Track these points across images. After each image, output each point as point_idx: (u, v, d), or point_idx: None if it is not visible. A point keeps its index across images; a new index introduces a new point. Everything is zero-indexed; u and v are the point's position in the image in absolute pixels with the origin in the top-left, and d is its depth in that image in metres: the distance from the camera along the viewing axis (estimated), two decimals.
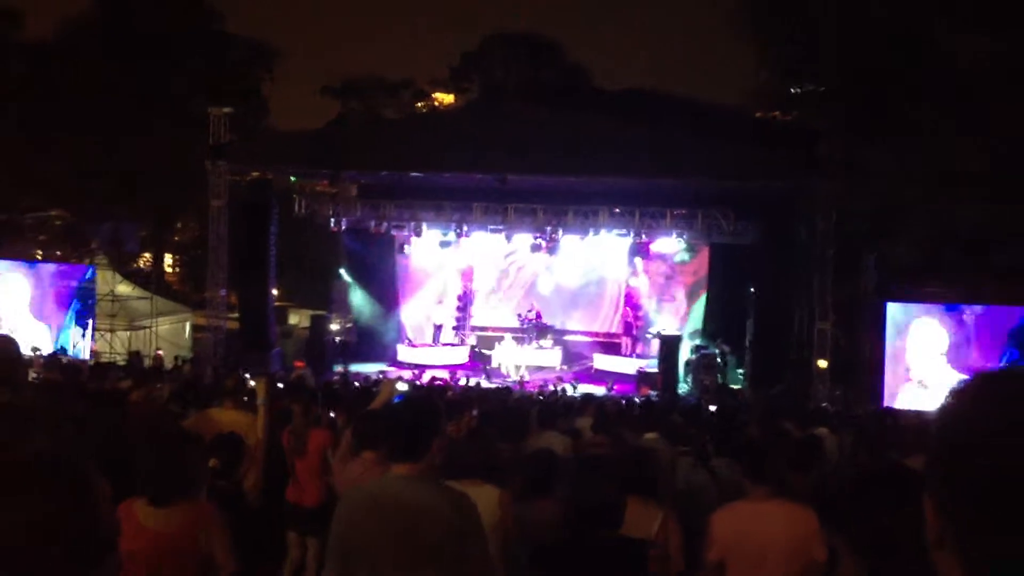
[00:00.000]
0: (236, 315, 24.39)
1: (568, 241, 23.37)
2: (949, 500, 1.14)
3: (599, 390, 20.59)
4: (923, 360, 19.43)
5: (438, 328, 25.45)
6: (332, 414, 7.92)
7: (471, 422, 7.71)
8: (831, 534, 2.07)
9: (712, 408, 15.24)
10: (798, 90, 28.39)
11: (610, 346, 25.49)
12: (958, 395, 1.19)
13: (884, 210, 20.41)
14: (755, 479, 4.55)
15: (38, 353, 17.02)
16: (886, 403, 19.05)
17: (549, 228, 22.73)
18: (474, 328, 26.42)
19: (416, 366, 23.40)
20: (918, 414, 16.00)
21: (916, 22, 19.32)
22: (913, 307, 19.85)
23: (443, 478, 4.32)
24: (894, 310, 19.95)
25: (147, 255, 37.19)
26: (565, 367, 24.25)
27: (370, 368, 23.51)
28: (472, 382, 19.92)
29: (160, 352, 22.42)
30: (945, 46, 18.67)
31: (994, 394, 1.15)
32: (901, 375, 19.62)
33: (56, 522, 1.57)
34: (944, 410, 1.19)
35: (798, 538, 4.30)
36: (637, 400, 17.16)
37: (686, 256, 24.51)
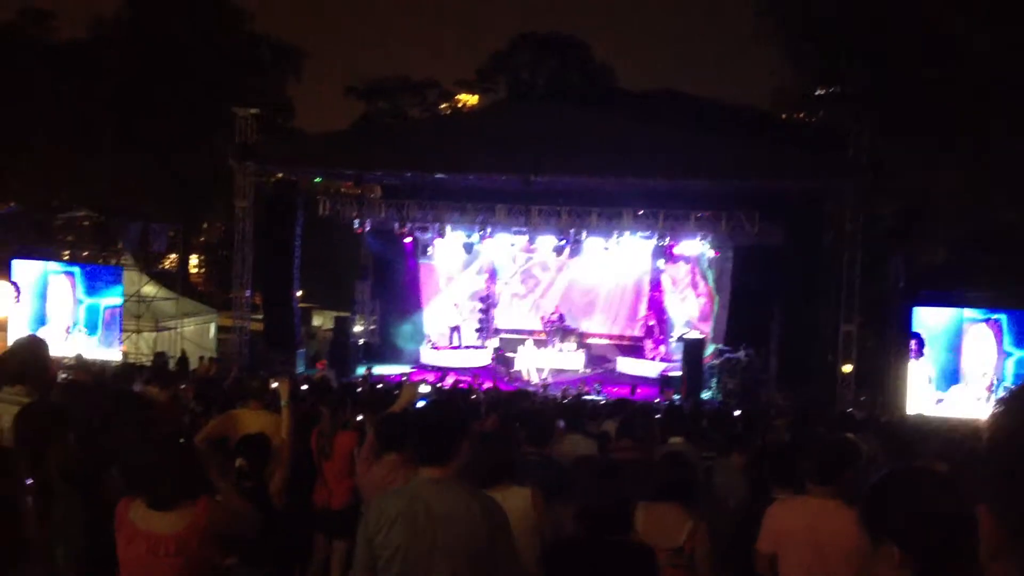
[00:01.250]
0: (261, 316, 24.50)
1: (592, 243, 23.30)
2: (1008, 510, 1.11)
3: (623, 394, 20.52)
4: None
5: (454, 329, 25.43)
6: (360, 417, 7.92)
7: (493, 425, 7.69)
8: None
9: (736, 412, 15.15)
10: (824, 91, 28.25)
11: (633, 349, 25.41)
12: (1009, 403, 1.16)
13: (912, 212, 20.25)
14: (821, 480, 4.48)
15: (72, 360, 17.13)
16: (912, 409, 18.89)
17: (573, 230, 22.66)
18: (497, 330, 26.41)
19: (439, 368, 23.41)
20: (945, 421, 15.87)
21: (941, 20, 19.17)
22: (948, 312, 19.55)
23: (475, 483, 4.31)
24: (931, 315, 19.63)
25: (173, 256, 37.46)
26: (588, 370, 24.19)
27: (394, 370, 23.56)
28: (495, 385, 19.91)
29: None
30: (973, 44, 18.51)
31: None
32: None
33: None
34: (996, 419, 1.16)
35: (855, 540, 4.26)
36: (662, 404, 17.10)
37: (710, 256, 24.29)
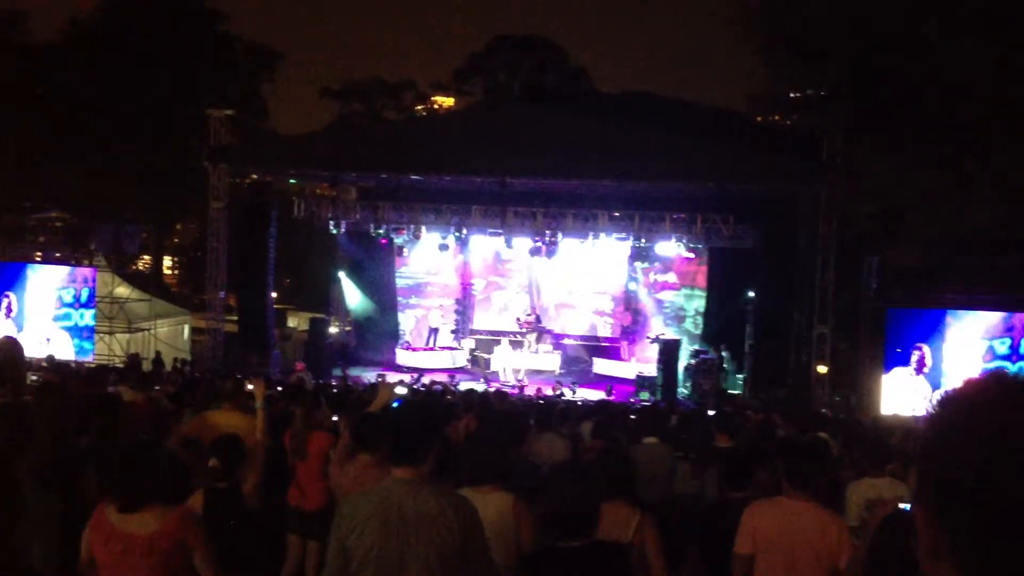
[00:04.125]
0: (235, 317, 24.37)
1: (567, 245, 23.35)
2: (944, 511, 1.11)
3: (598, 394, 20.57)
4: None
5: (433, 331, 25.39)
6: (335, 417, 7.91)
7: (469, 426, 7.70)
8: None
9: (711, 413, 15.21)
10: (799, 94, 28.43)
11: (609, 350, 25.46)
12: (947, 403, 1.16)
13: (886, 214, 20.40)
14: (793, 483, 4.51)
15: (44, 361, 16.99)
16: (887, 408, 19.03)
17: (548, 232, 22.69)
18: (473, 332, 26.40)
19: (415, 369, 23.35)
20: (919, 420, 15.98)
21: (918, 26, 19.34)
22: (931, 313, 19.68)
23: (458, 484, 4.32)
24: (911, 317, 19.77)
25: (147, 257, 37.24)
26: (563, 371, 24.22)
27: (369, 371, 23.50)
28: (470, 386, 19.89)
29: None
30: (946, 49, 18.68)
31: (984, 402, 1.12)
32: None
33: None
34: (934, 419, 1.16)
35: (829, 542, 4.36)
36: (636, 404, 17.16)
37: (685, 256, 24.38)
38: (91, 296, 22.53)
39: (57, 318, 22.53)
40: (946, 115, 19.07)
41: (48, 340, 21.63)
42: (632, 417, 10.87)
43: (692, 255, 23.70)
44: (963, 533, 1.09)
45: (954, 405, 1.15)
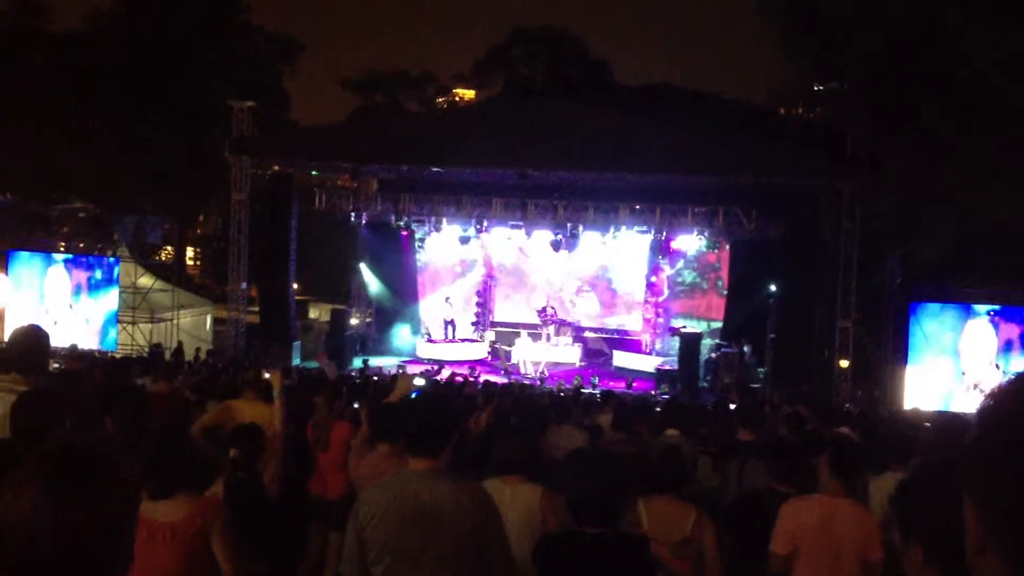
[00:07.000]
0: (257, 308, 24.47)
1: (588, 237, 23.30)
2: (994, 504, 1.11)
3: (618, 387, 20.53)
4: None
5: (448, 323, 25.37)
6: (356, 406, 7.93)
7: (489, 418, 7.71)
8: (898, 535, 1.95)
9: (732, 406, 15.13)
10: (822, 87, 28.22)
11: (630, 343, 25.42)
12: (999, 397, 1.14)
13: (909, 208, 20.24)
14: (836, 475, 4.50)
15: (66, 350, 17.10)
16: (909, 403, 18.91)
17: (569, 224, 22.67)
18: (493, 324, 26.40)
19: (435, 361, 23.41)
20: (942, 415, 15.85)
21: (938, 18, 19.16)
22: (954, 308, 19.59)
23: (488, 474, 4.31)
24: (935, 311, 19.68)
25: (169, 248, 37.43)
26: (584, 363, 24.19)
27: (389, 362, 23.57)
28: (490, 378, 19.89)
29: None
30: (969, 42, 18.50)
31: None
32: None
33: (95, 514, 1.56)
34: (984, 412, 1.15)
35: (864, 536, 4.36)
36: (658, 397, 17.12)
37: (706, 251, 24.31)
38: (114, 285, 22.71)
39: (78, 307, 22.69)
40: (969, 109, 18.89)
41: (64, 325, 21.79)
42: (657, 409, 10.82)
43: (714, 247, 23.63)
44: (1010, 527, 1.08)
45: (1005, 401, 1.14)
